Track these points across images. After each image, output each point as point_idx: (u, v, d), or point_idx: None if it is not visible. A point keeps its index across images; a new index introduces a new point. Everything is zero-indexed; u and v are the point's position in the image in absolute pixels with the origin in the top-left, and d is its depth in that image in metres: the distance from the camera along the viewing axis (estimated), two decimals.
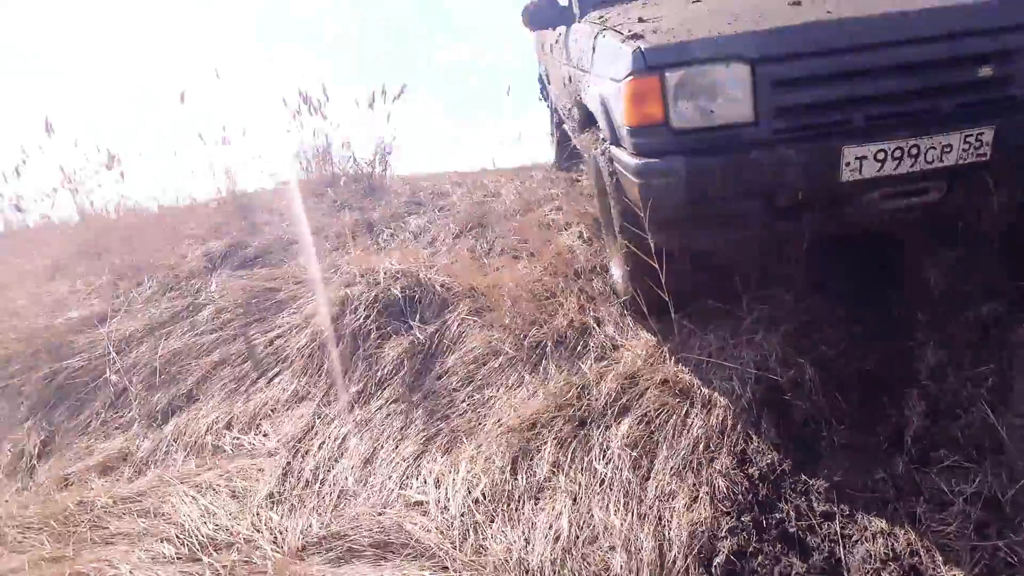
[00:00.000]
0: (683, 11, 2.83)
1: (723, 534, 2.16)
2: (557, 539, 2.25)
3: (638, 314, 3.07)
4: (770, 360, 2.75)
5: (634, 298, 2.97)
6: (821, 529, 2.16)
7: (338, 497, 2.68)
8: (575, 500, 2.40)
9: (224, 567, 2.36)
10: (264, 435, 3.14)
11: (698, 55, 2.41)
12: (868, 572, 2.00)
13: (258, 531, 2.54)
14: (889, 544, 2.05)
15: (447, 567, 2.23)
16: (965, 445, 2.27)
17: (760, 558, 2.10)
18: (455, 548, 2.29)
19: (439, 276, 3.68)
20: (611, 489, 2.40)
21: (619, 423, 2.66)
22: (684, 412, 2.60)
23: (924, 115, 2.45)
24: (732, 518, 2.21)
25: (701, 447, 2.46)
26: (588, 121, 3.36)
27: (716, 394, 2.64)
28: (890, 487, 2.20)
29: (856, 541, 2.10)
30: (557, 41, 4.14)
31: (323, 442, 2.98)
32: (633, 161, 2.52)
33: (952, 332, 2.72)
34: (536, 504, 2.43)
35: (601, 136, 2.97)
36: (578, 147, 4.16)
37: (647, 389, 2.74)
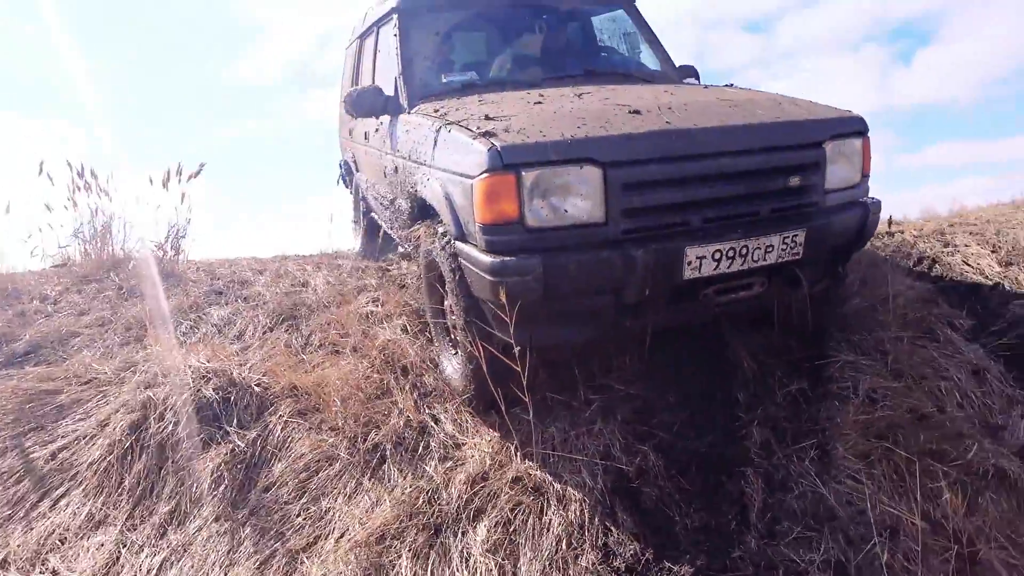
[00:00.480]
0: (530, 112, 2.91)
1: None
2: None
3: (479, 410, 3.07)
4: (613, 449, 2.85)
5: (475, 394, 2.97)
6: None
7: None
8: None
9: None
10: (53, 572, 2.68)
11: (553, 156, 2.51)
12: None
13: None
14: None
15: None
16: (803, 516, 2.51)
17: None
18: None
19: (255, 374, 3.41)
20: None
21: (476, 527, 2.60)
22: (540, 509, 2.60)
23: (748, 218, 2.74)
24: None
25: (564, 544, 2.46)
26: (422, 213, 3.36)
27: (569, 488, 2.67)
28: (748, 564, 2.35)
29: None
30: (377, 130, 4.12)
31: (134, 574, 2.60)
32: (486, 258, 2.54)
33: (770, 410, 3.01)
34: None
35: (442, 230, 2.97)
36: (399, 239, 4.18)
37: (500, 489, 2.70)
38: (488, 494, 2.70)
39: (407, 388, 3.30)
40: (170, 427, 3.10)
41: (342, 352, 3.62)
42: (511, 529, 2.57)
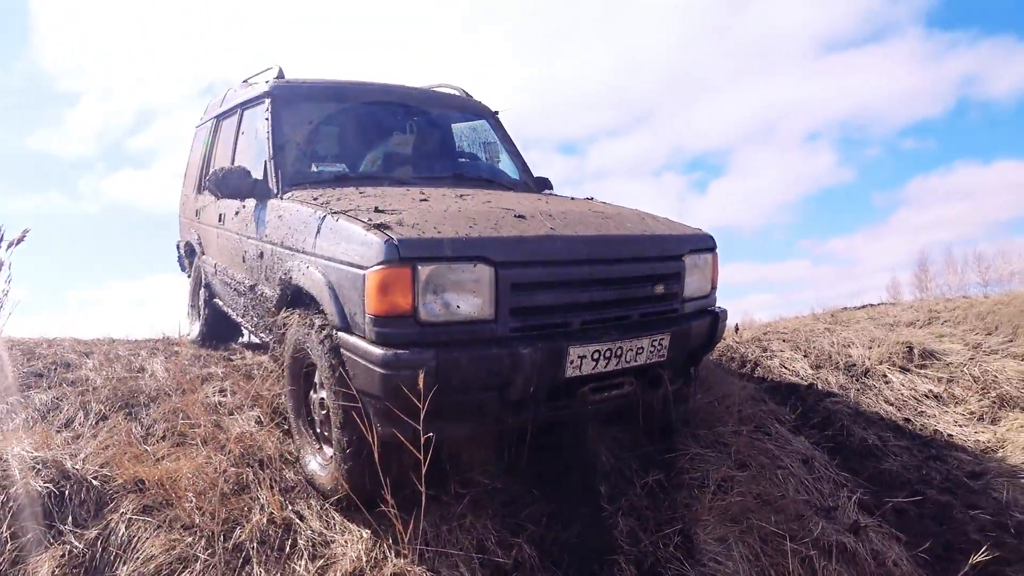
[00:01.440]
0: (419, 208, 2.97)
1: None
2: None
3: (348, 507, 2.94)
4: (488, 543, 2.87)
5: (352, 491, 2.85)
6: None
7: None
8: None
9: None
10: None
11: (448, 252, 2.57)
12: None
13: None
14: None
15: None
16: None
17: None
18: None
19: (91, 466, 3.09)
20: None
21: None
22: None
23: (620, 322, 2.93)
24: None
25: None
26: (293, 302, 3.28)
27: None
28: None
29: None
30: (238, 213, 4.05)
31: None
32: (377, 351, 2.51)
33: (632, 500, 3.15)
34: None
35: (320, 322, 2.92)
36: (253, 327, 4.10)
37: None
38: None
39: (267, 483, 3.13)
40: None
41: (190, 444, 3.37)
42: None
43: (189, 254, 5.68)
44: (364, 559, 2.73)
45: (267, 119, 3.96)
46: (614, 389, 2.96)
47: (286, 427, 3.51)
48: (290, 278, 3.20)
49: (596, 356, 2.77)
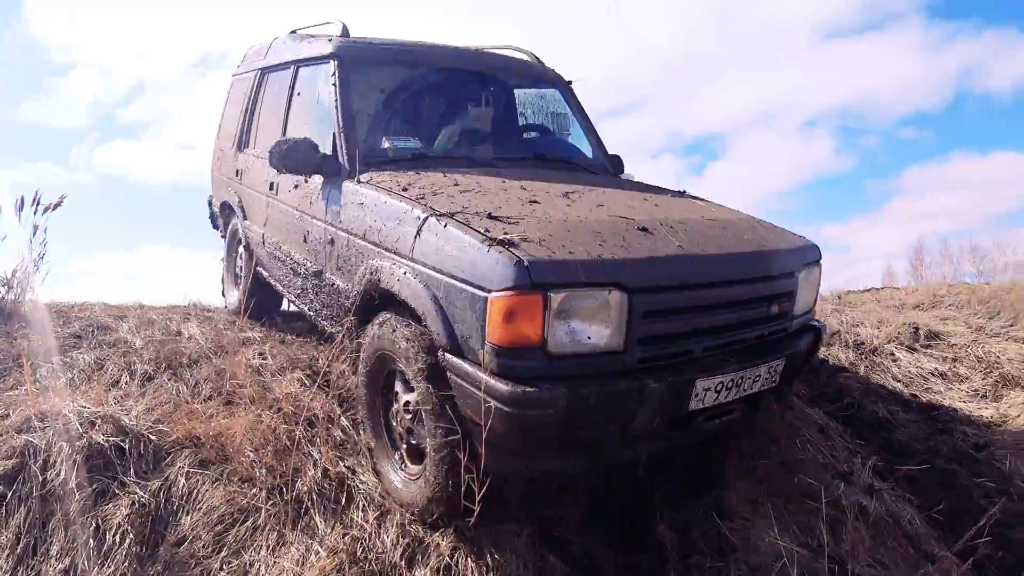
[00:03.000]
0: (533, 214, 2.72)
1: None
2: None
3: (431, 524, 2.79)
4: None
5: (435, 514, 2.73)
6: None
7: None
8: None
9: None
10: None
11: (583, 277, 2.32)
12: None
13: None
14: None
15: None
16: (710, 551, 2.84)
17: None
18: None
19: (144, 422, 3.20)
20: None
21: (412, 572, 2.63)
22: (478, 553, 2.68)
23: (737, 346, 2.74)
24: None
25: None
26: (381, 304, 2.98)
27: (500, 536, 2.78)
28: None
29: None
30: (298, 187, 3.78)
31: None
32: (502, 387, 2.24)
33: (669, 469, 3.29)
34: None
35: (419, 338, 2.64)
36: (313, 313, 3.80)
37: (432, 538, 2.75)
38: (424, 542, 2.74)
39: (317, 440, 3.25)
40: (60, 476, 2.82)
41: (238, 403, 3.49)
42: (452, 573, 2.62)
43: (225, 214, 5.34)
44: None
45: (334, 85, 3.60)
46: (725, 415, 2.82)
47: (329, 389, 3.62)
48: (378, 280, 2.90)
49: (719, 388, 2.59)
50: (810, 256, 3.17)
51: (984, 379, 4.93)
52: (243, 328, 4.52)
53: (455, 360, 2.44)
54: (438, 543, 2.72)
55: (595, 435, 2.48)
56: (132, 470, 2.94)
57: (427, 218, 2.67)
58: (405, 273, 2.71)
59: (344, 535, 2.74)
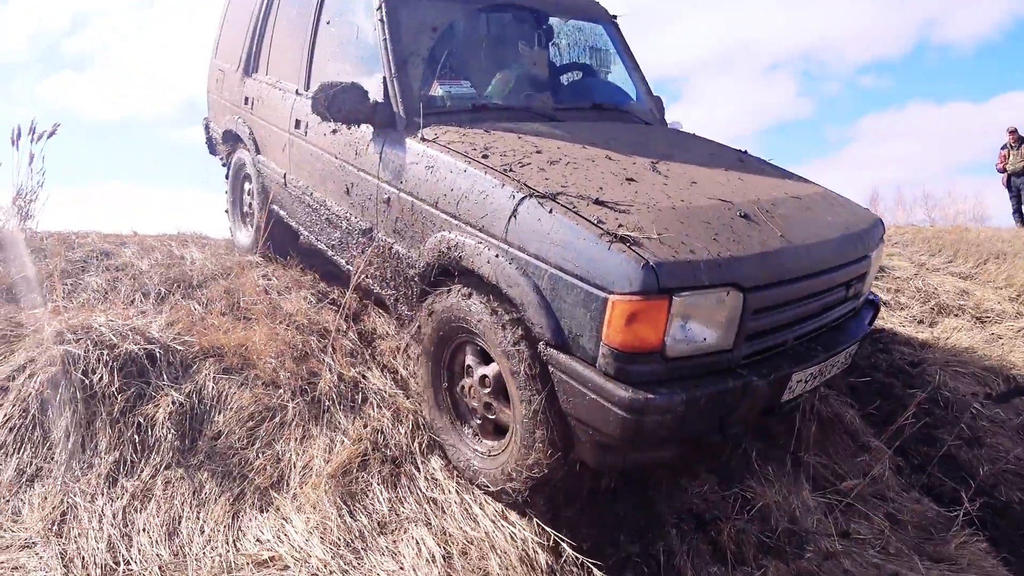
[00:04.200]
0: (636, 196, 2.58)
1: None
2: (433, 559, 2.50)
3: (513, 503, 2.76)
4: None
5: (524, 497, 2.68)
6: None
7: (161, 573, 2.45)
8: (429, 525, 2.66)
9: None
10: None
11: (705, 280, 2.23)
12: None
13: None
14: None
15: None
16: None
17: None
18: None
19: (168, 335, 3.47)
20: (455, 510, 2.74)
21: (429, 459, 2.99)
22: None
23: (818, 332, 2.76)
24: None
25: None
26: (460, 278, 2.80)
27: None
28: None
29: None
30: (336, 132, 3.53)
31: (98, 520, 2.63)
32: (620, 392, 2.17)
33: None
34: (390, 537, 2.62)
35: (525, 331, 2.48)
36: (367, 273, 3.41)
37: None
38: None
39: (329, 349, 3.57)
40: (102, 381, 3.09)
41: (252, 319, 3.77)
42: None
43: (229, 143, 5.03)
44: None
45: (381, 21, 3.31)
46: (799, 399, 2.86)
47: (337, 305, 3.92)
48: (459, 257, 2.71)
49: (809, 379, 2.63)
50: (880, 232, 3.16)
51: (922, 307, 5.47)
52: (244, 254, 4.75)
53: (563, 357, 2.33)
54: None
55: (696, 428, 2.44)
56: (164, 376, 3.22)
57: (524, 199, 2.50)
58: (497, 256, 2.54)
59: (365, 426, 3.09)
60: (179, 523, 2.65)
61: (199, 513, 2.70)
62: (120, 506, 2.70)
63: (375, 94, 3.20)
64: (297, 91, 4.03)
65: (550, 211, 2.40)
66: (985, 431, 4.00)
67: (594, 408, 2.25)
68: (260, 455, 2.97)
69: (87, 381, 3.08)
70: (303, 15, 4.03)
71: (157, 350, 3.31)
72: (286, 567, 2.46)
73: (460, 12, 3.70)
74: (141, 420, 3.02)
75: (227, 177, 5.20)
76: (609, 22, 4.31)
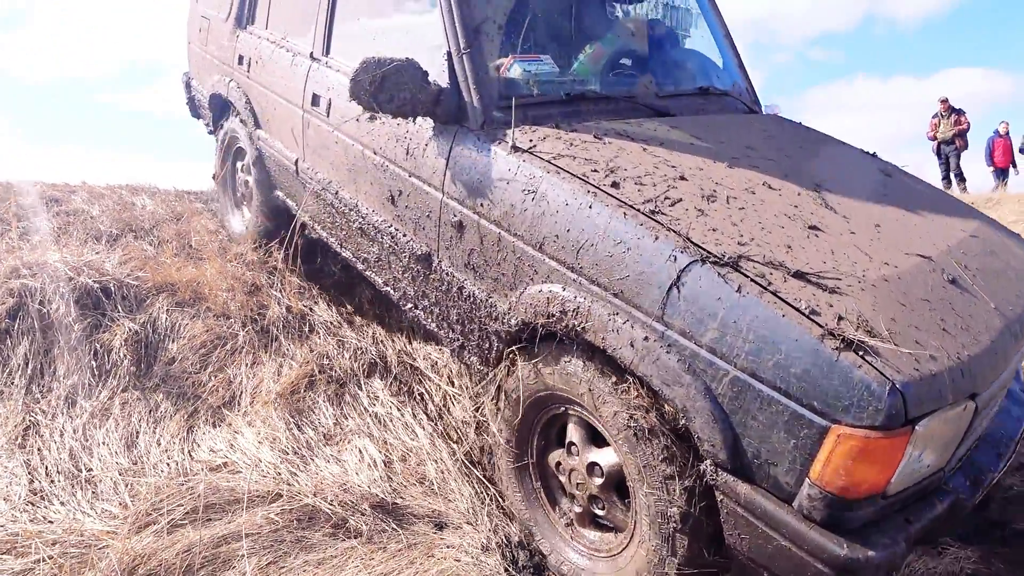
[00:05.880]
0: (852, 274, 1.86)
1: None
2: (375, 464, 2.75)
3: None
4: None
5: None
6: None
7: (121, 477, 2.65)
8: (371, 436, 2.90)
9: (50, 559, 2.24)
10: None
11: (950, 397, 1.69)
12: None
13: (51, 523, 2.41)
14: None
15: (291, 497, 2.53)
16: None
17: None
18: (289, 486, 2.59)
19: (122, 272, 3.62)
20: (395, 423, 2.99)
21: (371, 380, 3.23)
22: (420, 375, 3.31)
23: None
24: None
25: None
26: (579, 351, 2.10)
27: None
28: None
29: None
30: (376, 119, 2.75)
31: (59, 435, 2.82)
32: (833, 547, 1.62)
33: None
34: (335, 447, 2.86)
35: (676, 438, 1.91)
36: (423, 318, 2.81)
37: (385, 353, 3.36)
38: (385, 357, 3.34)
39: (277, 285, 3.76)
40: (59, 311, 3.24)
41: (203, 258, 3.93)
42: (401, 381, 3.24)
43: (217, 109, 4.35)
44: (371, 342, 3.46)
45: None
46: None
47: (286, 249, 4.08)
48: (579, 327, 2.02)
49: (997, 473, 2.18)
50: None
51: None
52: (192, 200, 4.89)
53: (739, 486, 1.77)
54: (387, 357, 3.33)
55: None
56: (119, 308, 3.39)
57: (693, 264, 1.81)
58: (647, 339, 1.87)
59: (312, 351, 3.31)
60: (136, 437, 2.85)
61: (155, 429, 2.90)
62: (80, 423, 2.88)
63: (434, 75, 2.43)
64: (312, 55, 3.27)
65: (738, 289, 1.73)
66: None
67: (785, 558, 1.72)
68: (212, 378, 3.17)
69: (45, 311, 3.24)
70: None
71: (111, 284, 3.47)
72: (238, 471, 2.68)
73: None
74: (98, 347, 3.19)
75: (217, 149, 4.39)
76: None
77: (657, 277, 1.86)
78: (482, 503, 2.60)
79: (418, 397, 3.19)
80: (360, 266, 3.16)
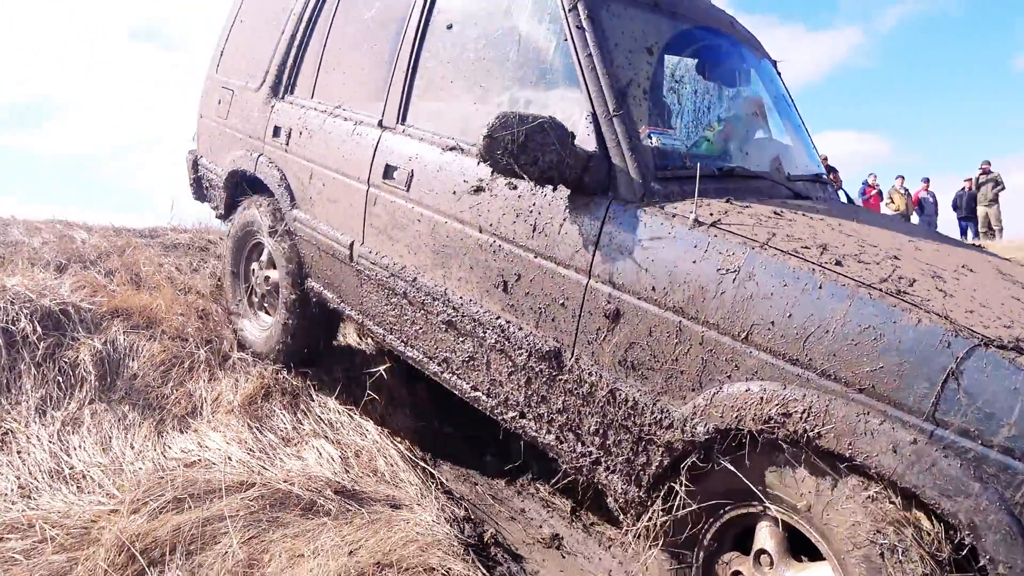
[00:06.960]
0: None
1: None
2: (333, 459, 3.15)
3: None
4: None
5: None
6: None
7: (103, 474, 2.94)
8: (326, 438, 3.31)
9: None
10: None
11: None
12: None
13: (43, 511, 2.69)
14: None
15: (264, 484, 2.89)
16: None
17: None
18: (260, 475, 2.96)
19: (78, 296, 3.88)
20: (347, 428, 3.40)
21: (321, 394, 3.64)
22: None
23: None
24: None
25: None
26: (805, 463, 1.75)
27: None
28: None
29: None
30: (483, 190, 2.47)
31: (37, 439, 3.07)
32: None
33: None
34: (295, 448, 3.25)
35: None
36: (532, 431, 2.39)
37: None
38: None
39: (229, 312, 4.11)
40: (21, 330, 3.48)
41: (154, 287, 4.23)
42: (351, 396, 3.67)
43: (231, 190, 4.03)
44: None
45: (578, 27, 2.30)
46: None
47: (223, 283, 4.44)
48: (811, 433, 1.69)
49: None
50: None
51: None
52: (131, 236, 5.14)
53: None
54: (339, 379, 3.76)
55: None
56: (80, 329, 3.66)
57: (975, 349, 1.54)
58: (915, 442, 1.56)
59: (267, 368, 3.68)
60: (110, 441, 3.14)
61: (127, 434, 3.20)
62: (54, 430, 3.15)
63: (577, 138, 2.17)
64: (381, 123, 3.03)
65: None
66: None
67: None
68: (174, 391, 3.49)
69: (10, 329, 3.48)
70: (390, 16, 3.09)
71: (70, 307, 3.73)
72: (212, 465, 3.02)
73: (668, 29, 2.67)
74: (63, 363, 3.45)
75: (229, 240, 4.07)
76: (773, 61, 3.33)
77: (924, 368, 1.56)
78: (428, 489, 3.05)
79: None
80: (434, 368, 2.76)
